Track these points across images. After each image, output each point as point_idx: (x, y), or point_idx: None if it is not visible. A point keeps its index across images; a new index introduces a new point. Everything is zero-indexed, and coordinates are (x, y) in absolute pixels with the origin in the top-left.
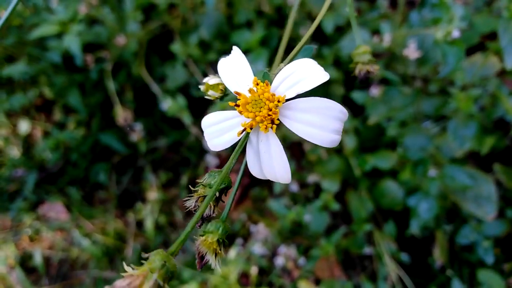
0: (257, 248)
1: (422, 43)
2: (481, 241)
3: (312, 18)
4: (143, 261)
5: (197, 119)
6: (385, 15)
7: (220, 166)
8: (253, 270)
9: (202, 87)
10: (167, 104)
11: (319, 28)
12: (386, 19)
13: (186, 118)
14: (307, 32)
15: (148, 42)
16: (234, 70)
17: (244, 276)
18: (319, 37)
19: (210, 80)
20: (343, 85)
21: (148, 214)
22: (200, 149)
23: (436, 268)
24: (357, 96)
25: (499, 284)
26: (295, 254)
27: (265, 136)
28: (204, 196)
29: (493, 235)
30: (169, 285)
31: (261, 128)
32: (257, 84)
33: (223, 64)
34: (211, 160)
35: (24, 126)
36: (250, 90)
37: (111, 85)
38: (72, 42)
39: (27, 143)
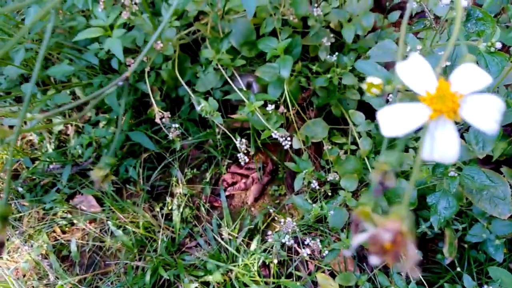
0: (286, 241)
1: (451, 54)
2: (492, 239)
3: (330, 28)
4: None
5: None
6: (430, 28)
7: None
8: (274, 262)
9: (364, 86)
10: (202, 105)
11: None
12: (430, 30)
13: (218, 119)
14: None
15: (179, 47)
16: (416, 72)
17: (263, 268)
18: (337, 46)
19: (374, 80)
20: (358, 91)
21: (175, 208)
22: (225, 147)
23: (445, 265)
24: (372, 101)
25: (511, 280)
26: (319, 247)
27: (443, 124)
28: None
29: (502, 234)
30: (191, 274)
31: (446, 116)
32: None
33: (404, 66)
34: (241, 157)
35: (57, 122)
36: (437, 88)
37: (147, 87)
38: (115, 45)
39: (60, 139)
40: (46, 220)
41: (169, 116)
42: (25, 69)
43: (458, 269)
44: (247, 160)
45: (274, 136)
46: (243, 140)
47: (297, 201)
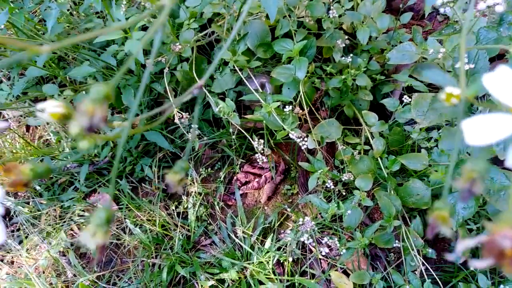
0: (305, 239)
1: (473, 57)
2: None
3: (343, 30)
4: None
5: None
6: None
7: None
8: (289, 260)
9: (442, 96)
10: (220, 106)
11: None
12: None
13: (235, 119)
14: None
15: (196, 48)
16: (505, 83)
17: (277, 265)
18: (348, 47)
19: (454, 90)
20: (377, 92)
21: (191, 206)
22: (239, 147)
23: (457, 264)
24: (388, 103)
25: None
26: (337, 245)
27: None
28: None
29: None
30: (207, 272)
31: None
32: None
33: (491, 77)
34: (259, 157)
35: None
36: None
37: (166, 87)
38: (135, 47)
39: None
40: (64, 218)
41: (188, 116)
42: (47, 71)
43: (472, 268)
44: (265, 160)
45: (291, 136)
46: (261, 141)
47: (314, 200)
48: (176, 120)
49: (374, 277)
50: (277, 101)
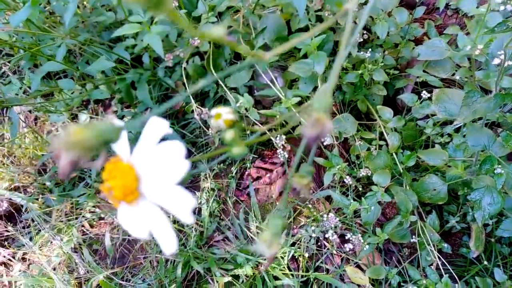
0: (330, 236)
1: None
2: None
3: (365, 27)
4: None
5: None
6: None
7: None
8: (305, 255)
9: None
10: (240, 101)
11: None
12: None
13: (254, 114)
14: None
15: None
16: None
17: (291, 261)
18: (361, 42)
19: None
20: (389, 87)
21: (204, 202)
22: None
23: (471, 259)
24: (405, 97)
25: None
26: (361, 241)
27: None
28: None
29: None
30: (222, 268)
31: None
32: None
33: None
34: (280, 153)
35: (83, 117)
36: None
37: (184, 81)
38: (154, 41)
39: None
40: (75, 215)
41: (208, 112)
42: (67, 65)
43: (485, 262)
44: (286, 155)
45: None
46: (283, 137)
47: (335, 196)
48: (196, 116)
49: (390, 272)
50: (297, 96)
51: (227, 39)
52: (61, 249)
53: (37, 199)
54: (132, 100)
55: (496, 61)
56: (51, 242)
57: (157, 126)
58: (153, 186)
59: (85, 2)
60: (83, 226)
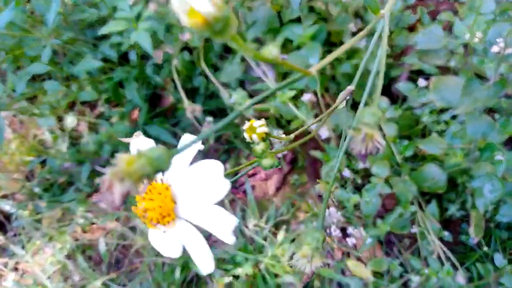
0: (333, 231)
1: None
2: None
3: (358, 16)
4: None
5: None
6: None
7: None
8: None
9: None
10: (235, 97)
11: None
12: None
13: (248, 110)
14: None
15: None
16: None
17: (292, 257)
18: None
19: None
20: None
21: None
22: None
23: (471, 245)
24: (402, 86)
25: None
26: (363, 235)
27: None
28: None
29: None
30: (221, 268)
31: None
32: None
33: None
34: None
35: (69, 119)
36: None
37: (175, 79)
38: (142, 38)
39: (71, 136)
40: (66, 220)
41: (201, 109)
42: (53, 67)
43: (485, 248)
44: (284, 152)
45: (312, 127)
46: (280, 131)
47: (336, 191)
48: (189, 114)
49: (392, 263)
50: (292, 89)
51: (281, 60)
52: (55, 257)
53: (26, 206)
54: (120, 100)
55: (495, 48)
56: (44, 250)
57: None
58: (191, 207)
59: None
60: (75, 232)
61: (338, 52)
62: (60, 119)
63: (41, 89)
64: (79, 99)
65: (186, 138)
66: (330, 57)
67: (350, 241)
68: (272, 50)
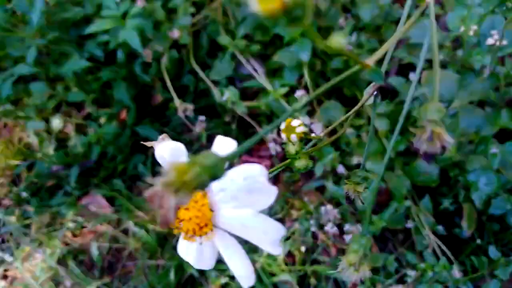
0: (329, 228)
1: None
2: None
3: (346, 10)
4: None
5: None
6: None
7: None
8: (302, 250)
9: None
10: (227, 95)
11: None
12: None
13: (240, 108)
14: None
15: (193, 34)
16: None
17: (288, 256)
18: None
19: None
20: None
21: None
22: (241, 136)
23: (464, 238)
24: (394, 81)
25: None
26: (359, 231)
27: None
28: None
29: None
30: (217, 269)
31: None
32: None
33: None
34: (273, 146)
35: (56, 121)
36: None
37: (166, 79)
38: (131, 36)
39: (58, 139)
40: (56, 225)
41: (193, 107)
42: (39, 68)
43: (478, 241)
44: (279, 149)
45: (305, 122)
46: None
47: (330, 187)
48: (180, 113)
49: (387, 259)
50: (284, 85)
51: (347, 51)
52: (45, 263)
53: (14, 211)
54: (108, 100)
55: (490, 41)
56: (34, 256)
57: (225, 145)
58: (232, 216)
59: None
60: (65, 236)
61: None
62: (46, 121)
63: (26, 91)
64: (68, 100)
65: (221, 140)
66: (383, 49)
67: (348, 238)
68: (340, 39)
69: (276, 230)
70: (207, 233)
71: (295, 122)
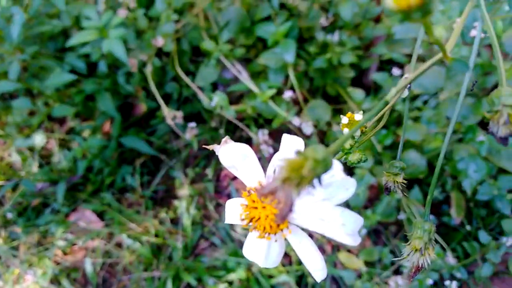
0: None
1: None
2: (504, 194)
3: (325, 10)
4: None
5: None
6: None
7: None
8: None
9: None
10: (216, 100)
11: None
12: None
13: (229, 112)
14: None
15: (176, 41)
16: None
17: (285, 257)
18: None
19: None
20: (353, 68)
21: (184, 211)
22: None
23: (454, 226)
24: (378, 76)
25: None
26: None
27: None
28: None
29: (508, 188)
30: (213, 275)
31: None
32: None
33: None
34: (266, 148)
35: (39, 138)
36: None
37: (153, 88)
38: (115, 46)
39: (41, 155)
40: (45, 244)
41: (181, 115)
42: (23, 84)
43: (468, 227)
44: (271, 151)
45: (296, 123)
46: (265, 130)
47: None
48: (169, 121)
49: (382, 252)
50: (271, 87)
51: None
52: (38, 284)
53: (0, 233)
54: (90, 113)
55: (473, 33)
56: (24, 278)
57: (293, 143)
58: (308, 211)
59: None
60: (56, 255)
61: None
62: (26, 137)
63: (5, 109)
64: (53, 114)
65: (287, 138)
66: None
67: None
68: (441, 30)
69: (354, 221)
70: (282, 230)
71: (357, 117)
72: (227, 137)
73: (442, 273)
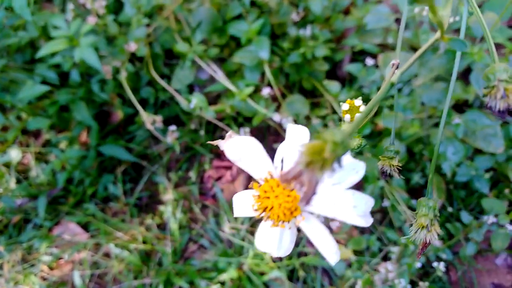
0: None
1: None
2: (481, 174)
3: (295, 5)
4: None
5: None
6: None
7: None
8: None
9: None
10: (194, 102)
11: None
12: None
13: (209, 113)
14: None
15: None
16: None
17: None
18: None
19: None
20: (327, 61)
21: (170, 216)
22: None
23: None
24: (352, 68)
25: (501, 207)
26: None
27: None
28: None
29: (485, 168)
30: (205, 277)
31: None
32: None
33: None
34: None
35: (14, 153)
36: None
37: (130, 95)
38: (88, 55)
39: (20, 170)
40: (30, 261)
41: (161, 120)
42: None
43: (450, 209)
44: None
45: (276, 120)
46: (246, 129)
47: None
48: (149, 126)
49: (370, 239)
50: (248, 85)
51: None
52: None
53: None
54: (65, 124)
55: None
56: None
57: (298, 132)
58: (320, 197)
59: None
60: (42, 271)
61: None
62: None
63: None
64: (29, 127)
65: (293, 128)
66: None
67: (334, 224)
68: (443, 13)
69: (366, 202)
70: (296, 217)
71: (357, 102)
72: (231, 131)
73: (428, 256)
